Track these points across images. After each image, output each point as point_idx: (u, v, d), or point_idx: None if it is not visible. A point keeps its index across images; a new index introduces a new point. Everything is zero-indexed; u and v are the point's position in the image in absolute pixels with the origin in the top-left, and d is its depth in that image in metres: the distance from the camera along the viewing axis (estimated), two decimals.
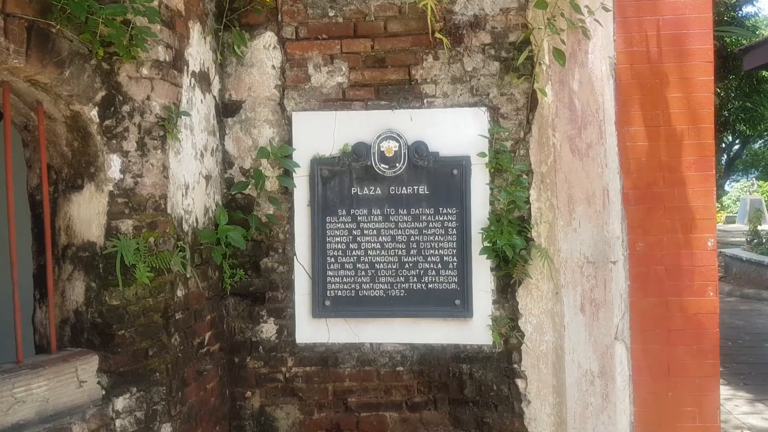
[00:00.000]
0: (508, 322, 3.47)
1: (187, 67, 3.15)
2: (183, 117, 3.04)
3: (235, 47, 3.54)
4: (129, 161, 2.74)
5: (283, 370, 3.57)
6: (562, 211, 3.42)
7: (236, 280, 3.58)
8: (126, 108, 2.72)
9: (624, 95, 3.53)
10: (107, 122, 2.68)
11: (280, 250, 3.61)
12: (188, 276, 3.11)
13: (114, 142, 2.70)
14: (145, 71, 2.76)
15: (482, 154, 3.44)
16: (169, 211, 2.89)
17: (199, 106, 3.31)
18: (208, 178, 3.42)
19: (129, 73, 2.72)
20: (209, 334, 3.40)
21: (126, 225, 2.72)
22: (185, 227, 3.12)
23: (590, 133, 3.45)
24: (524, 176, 3.47)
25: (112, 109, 2.68)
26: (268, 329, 3.61)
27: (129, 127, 2.73)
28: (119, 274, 2.61)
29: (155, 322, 2.80)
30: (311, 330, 3.53)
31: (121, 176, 2.72)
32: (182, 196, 3.08)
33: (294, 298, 3.55)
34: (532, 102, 3.45)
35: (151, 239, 2.78)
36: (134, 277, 2.66)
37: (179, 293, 3.01)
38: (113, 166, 2.71)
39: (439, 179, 3.44)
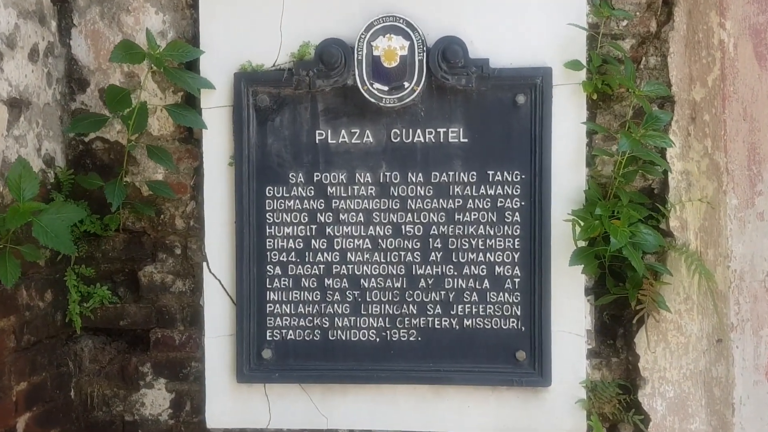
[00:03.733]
0: (618, 395, 1.95)
1: None
2: None
3: None
4: None
5: None
6: (737, 179, 1.87)
7: (94, 307, 2.00)
8: None
9: None
10: None
11: (178, 251, 2.03)
12: None
13: None
14: None
15: (574, 65, 1.85)
16: None
17: None
18: (19, 105, 1.75)
19: None
20: (24, 420, 1.75)
21: None
22: None
23: None
24: (658, 108, 1.84)
25: None
26: (156, 400, 2.06)
27: None
28: None
29: None
30: (235, 403, 2.01)
31: None
32: None
33: (203, 343, 2.01)
34: None
35: None
36: None
37: None
38: None
39: (490, 114, 1.91)
